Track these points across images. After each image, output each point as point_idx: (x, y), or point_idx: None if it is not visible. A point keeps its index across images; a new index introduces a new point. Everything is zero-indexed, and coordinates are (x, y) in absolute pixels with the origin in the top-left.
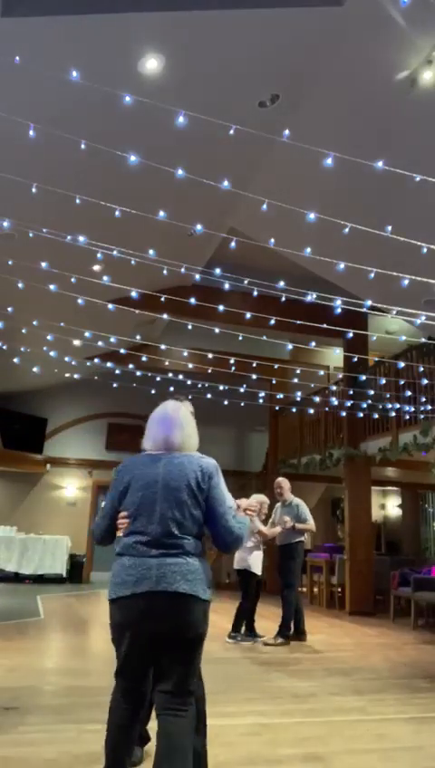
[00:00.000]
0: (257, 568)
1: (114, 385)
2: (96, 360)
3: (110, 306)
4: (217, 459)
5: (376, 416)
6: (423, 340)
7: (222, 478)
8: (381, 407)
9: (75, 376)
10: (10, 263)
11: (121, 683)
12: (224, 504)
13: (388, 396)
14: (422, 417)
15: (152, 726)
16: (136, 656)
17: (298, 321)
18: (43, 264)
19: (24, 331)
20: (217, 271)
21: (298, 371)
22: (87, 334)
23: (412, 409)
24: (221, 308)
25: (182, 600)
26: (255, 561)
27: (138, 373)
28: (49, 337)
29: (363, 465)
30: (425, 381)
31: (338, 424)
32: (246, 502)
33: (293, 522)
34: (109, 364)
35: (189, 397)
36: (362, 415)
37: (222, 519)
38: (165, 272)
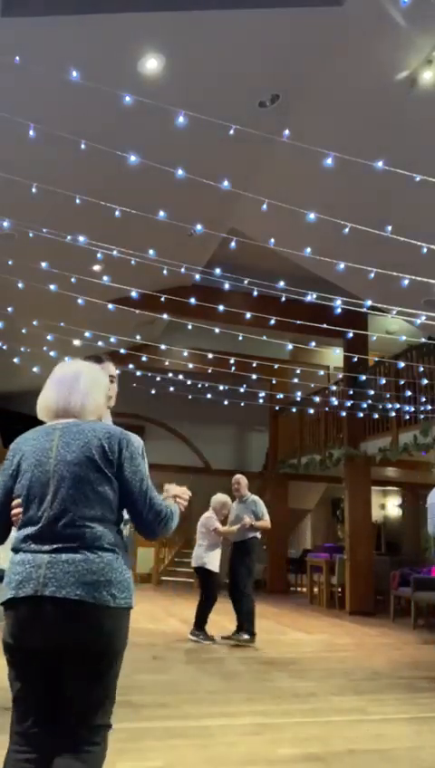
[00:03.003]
0: (214, 565)
1: (114, 385)
2: None
3: (110, 306)
4: (217, 459)
5: (376, 416)
6: (423, 340)
7: (144, 458)
8: (381, 407)
9: None
10: (10, 263)
11: (14, 724)
12: (143, 479)
13: (388, 396)
14: (422, 417)
15: None
16: (27, 684)
17: (298, 321)
18: (43, 264)
19: (24, 331)
20: (217, 271)
21: (298, 371)
22: (87, 334)
23: (412, 409)
24: (221, 308)
25: (77, 609)
26: (211, 559)
27: (138, 373)
28: (49, 337)
29: (363, 465)
30: (425, 381)
31: (338, 424)
32: (176, 488)
33: (251, 519)
34: None
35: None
36: (362, 415)
37: (143, 495)
38: (165, 272)
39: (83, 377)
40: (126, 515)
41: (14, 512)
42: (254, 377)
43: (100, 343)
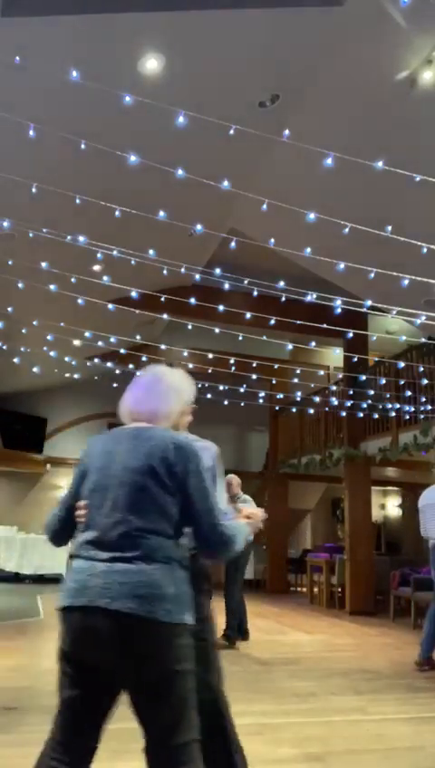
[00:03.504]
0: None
1: (114, 385)
2: (96, 360)
3: (110, 306)
4: None
5: (376, 416)
6: (423, 340)
7: (216, 469)
8: (381, 407)
9: (75, 376)
10: (10, 263)
11: (56, 730)
12: (208, 496)
13: (388, 396)
14: (422, 417)
15: None
16: (75, 694)
17: (298, 321)
18: (43, 264)
19: (24, 331)
20: (217, 271)
21: (298, 371)
22: (87, 334)
23: (412, 409)
24: (221, 308)
25: (129, 623)
26: None
27: (138, 373)
28: (49, 337)
29: (363, 465)
30: (425, 381)
31: (338, 424)
32: (249, 509)
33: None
34: (109, 364)
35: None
36: (361, 415)
37: (206, 515)
38: (165, 272)
39: (163, 381)
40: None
41: (77, 513)
42: (254, 377)
43: (100, 343)
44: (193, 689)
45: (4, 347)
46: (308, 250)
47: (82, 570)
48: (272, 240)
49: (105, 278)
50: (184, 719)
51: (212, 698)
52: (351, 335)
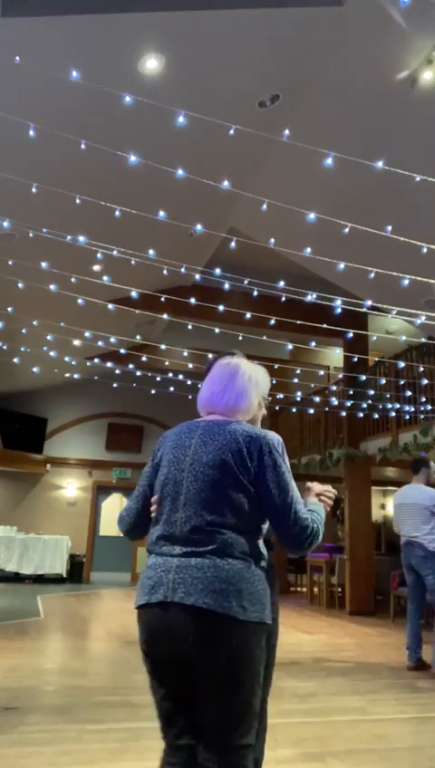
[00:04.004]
0: None
1: (114, 385)
2: (96, 360)
3: (110, 306)
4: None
5: (376, 416)
6: (423, 340)
7: (286, 460)
8: (381, 407)
9: (75, 376)
10: (10, 263)
11: (162, 733)
12: (288, 489)
13: (388, 396)
14: (422, 417)
15: None
16: (163, 692)
17: (298, 321)
18: (43, 264)
19: (24, 331)
20: (217, 271)
21: (298, 371)
22: (87, 334)
23: (412, 409)
24: (221, 308)
25: (205, 618)
26: None
27: (138, 373)
28: (49, 337)
29: (363, 465)
30: (425, 381)
31: (338, 424)
32: (318, 486)
33: None
34: (109, 364)
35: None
36: (362, 415)
37: (287, 508)
38: (165, 272)
39: (240, 374)
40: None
41: (151, 507)
42: None
43: (100, 343)
44: (258, 693)
45: (5, 347)
46: (308, 250)
47: (157, 566)
48: (272, 240)
49: (105, 278)
50: (245, 722)
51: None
52: (351, 335)
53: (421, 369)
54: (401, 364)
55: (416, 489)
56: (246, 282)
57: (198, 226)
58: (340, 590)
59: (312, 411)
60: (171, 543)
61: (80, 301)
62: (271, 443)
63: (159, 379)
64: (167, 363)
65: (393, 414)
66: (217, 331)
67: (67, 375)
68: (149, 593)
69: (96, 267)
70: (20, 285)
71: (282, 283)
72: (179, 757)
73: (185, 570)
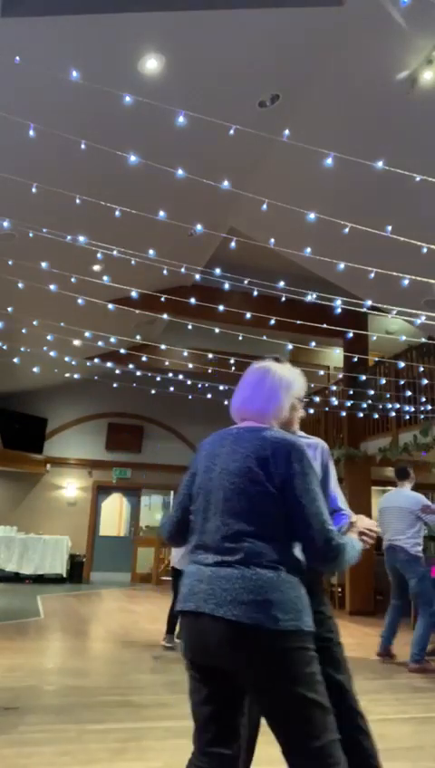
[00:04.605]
0: (179, 564)
1: (114, 385)
2: (96, 360)
3: (110, 306)
4: None
5: (376, 416)
6: (423, 340)
7: (328, 467)
8: (381, 407)
9: (75, 376)
10: (10, 263)
11: (194, 737)
12: (314, 500)
13: (388, 396)
14: (422, 417)
15: None
16: (200, 697)
17: (298, 321)
18: (43, 264)
19: (24, 331)
20: (217, 271)
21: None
22: (87, 334)
23: (412, 409)
24: (221, 308)
25: (235, 631)
26: (177, 558)
27: (138, 373)
28: (49, 337)
29: (363, 465)
30: (425, 381)
31: (338, 424)
32: (365, 520)
33: None
34: (109, 364)
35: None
36: (362, 415)
37: (311, 518)
38: (165, 272)
39: (269, 377)
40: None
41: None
42: None
43: (100, 343)
44: (319, 692)
45: (5, 347)
46: (308, 250)
47: (192, 574)
48: (272, 240)
49: (105, 278)
50: (311, 723)
51: (346, 699)
52: (351, 335)
53: (421, 369)
54: (401, 364)
55: (401, 493)
56: (246, 282)
57: (198, 226)
58: (340, 590)
59: (312, 411)
60: (205, 552)
61: (80, 301)
62: (299, 449)
63: (159, 379)
64: (167, 363)
65: (393, 414)
66: (217, 331)
67: (67, 375)
68: (184, 600)
69: (96, 267)
70: (20, 285)
71: (282, 283)
72: (208, 764)
73: (215, 581)
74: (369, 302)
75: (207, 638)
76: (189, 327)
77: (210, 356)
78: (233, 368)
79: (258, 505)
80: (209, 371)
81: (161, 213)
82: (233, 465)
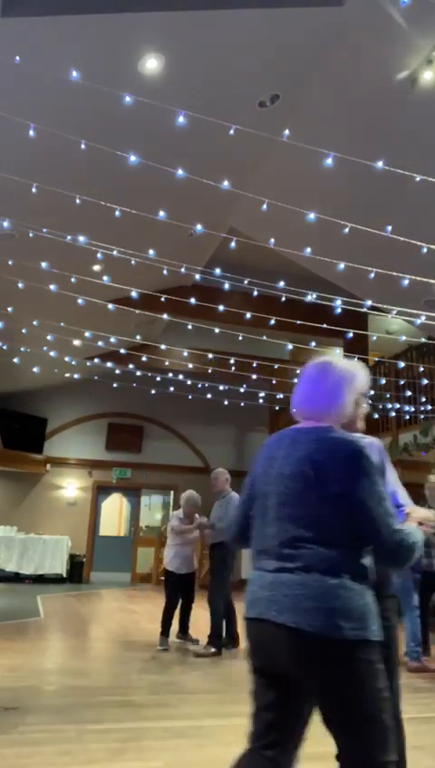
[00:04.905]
0: (169, 565)
1: (114, 385)
2: (96, 360)
3: (110, 306)
4: (217, 459)
5: (376, 416)
6: (423, 340)
7: (387, 468)
8: (381, 407)
9: (75, 376)
10: (10, 263)
11: (250, 738)
12: (380, 502)
13: (388, 396)
14: (422, 417)
15: None
16: (262, 702)
17: (298, 321)
18: (43, 264)
19: (24, 331)
20: (217, 271)
21: (298, 371)
22: (87, 334)
23: (412, 409)
24: (221, 308)
25: (297, 638)
26: (168, 560)
27: (138, 373)
28: (49, 337)
29: None
30: (425, 381)
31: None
32: (421, 511)
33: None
34: (109, 364)
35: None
36: None
37: (380, 521)
38: (165, 272)
39: (330, 373)
40: None
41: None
42: (254, 377)
43: (100, 343)
44: (381, 709)
45: (5, 347)
46: (308, 250)
47: (254, 581)
48: (272, 240)
49: (105, 278)
50: (369, 741)
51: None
52: (351, 335)
53: (421, 369)
54: (401, 364)
55: None
56: (246, 282)
57: (198, 226)
58: None
59: None
60: (267, 558)
61: (80, 301)
62: (359, 450)
63: (159, 379)
64: (167, 363)
65: (393, 414)
66: (217, 331)
67: (67, 375)
68: (248, 608)
69: (96, 267)
70: (20, 285)
71: (282, 283)
72: (260, 765)
73: (277, 587)
74: (369, 302)
75: (270, 644)
76: (189, 327)
77: (210, 356)
78: (233, 368)
79: (316, 510)
80: (209, 371)
81: (161, 213)
82: (288, 469)
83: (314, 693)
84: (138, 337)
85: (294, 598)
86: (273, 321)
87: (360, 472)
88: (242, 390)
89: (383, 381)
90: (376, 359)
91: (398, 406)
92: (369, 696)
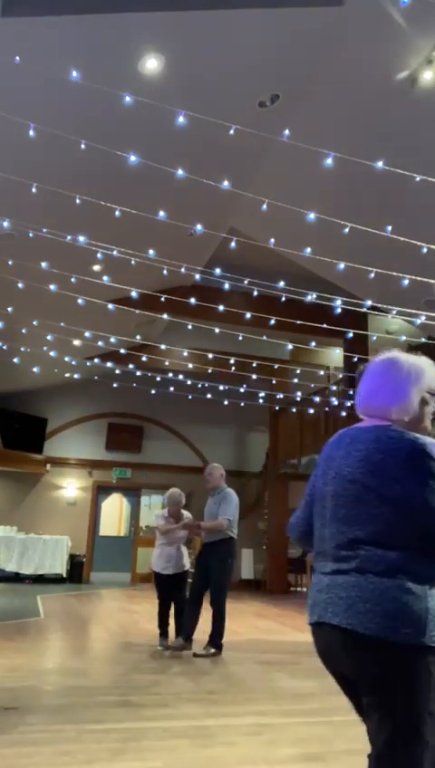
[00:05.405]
0: (155, 565)
1: (114, 385)
2: (96, 360)
3: (110, 306)
4: (217, 459)
5: None
6: (423, 340)
7: None
8: None
9: (75, 376)
10: (10, 263)
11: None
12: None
13: None
14: None
15: None
16: (349, 699)
17: (298, 321)
18: (43, 264)
19: (24, 331)
20: (217, 271)
21: (298, 371)
22: (87, 334)
23: None
24: (221, 308)
25: (351, 639)
26: (154, 560)
27: (138, 373)
28: (49, 337)
29: None
30: None
31: (338, 424)
32: None
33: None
34: (109, 364)
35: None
36: None
37: (428, 527)
38: (165, 272)
39: (395, 369)
40: None
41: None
42: (254, 377)
43: (100, 343)
44: (426, 723)
45: (5, 347)
46: (308, 250)
47: (314, 584)
48: (272, 240)
49: (105, 278)
50: (404, 754)
51: None
52: (351, 335)
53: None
54: None
55: None
56: (246, 282)
57: (198, 226)
58: None
59: (312, 411)
60: (325, 561)
61: (80, 301)
62: (421, 449)
63: (159, 379)
64: (167, 363)
65: None
66: (217, 331)
67: (67, 375)
68: (309, 613)
69: (96, 267)
70: (20, 285)
71: (282, 283)
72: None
73: (333, 589)
74: (369, 302)
75: (329, 646)
76: (189, 327)
77: (210, 356)
78: (233, 368)
79: (374, 510)
80: (209, 371)
81: (161, 213)
82: (346, 470)
83: (366, 693)
84: (138, 337)
85: (349, 600)
86: (273, 321)
87: (421, 471)
88: (242, 390)
89: None
90: None
91: None
92: (417, 705)
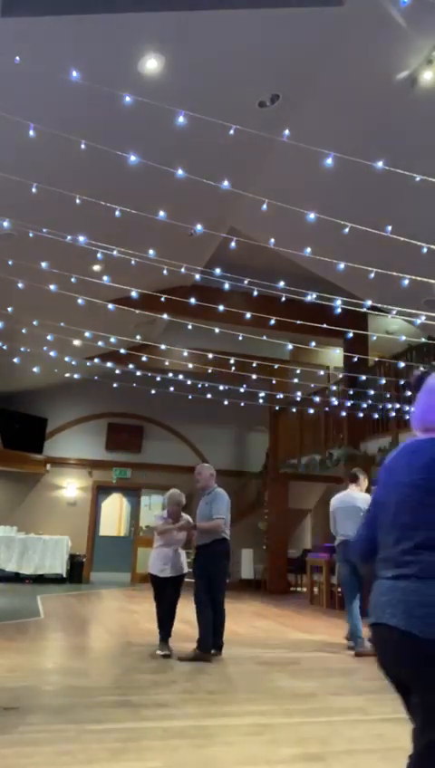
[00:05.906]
0: (152, 568)
1: (114, 385)
2: (96, 360)
3: (110, 306)
4: (217, 459)
5: (376, 416)
6: (423, 340)
7: None
8: (381, 407)
9: (75, 376)
10: (10, 263)
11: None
12: None
13: (388, 396)
14: None
15: None
16: (403, 699)
17: (298, 321)
18: (43, 264)
19: (24, 331)
20: (217, 271)
21: (298, 371)
22: (87, 334)
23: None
24: (221, 308)
25: (408, 641)
26: (151, 562)
27: (138, 373)
28: (49, 337)
29: (363, 465)
30: None
31: (338, 424)
32: None
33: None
34: (109, 364)
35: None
36: (362, 415)
37: None
38: (165, 272)
39: None
40: None
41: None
42: (254, 377)
43: (100, 343)
44: None
45: (5, 347)
46: (308, 250)
47: (376, 589)
48: (272, 240)
49: (105, 278)
50: None
51: None
52: (351, 335)
53: (422, 368)
54: (401, 364)
55: (351, 495)
56: (246, 282)
57: (198, 226)
58: (340, 590)
59: (312, 411)
60: (386, 566)
61: (80, 301)
62: None
63: (159, 379)
64: (167, 363)
65: (393, 414)
66: (217, 331)
67: (67, 375)
68: (370, 615)
69: (96, 267)
70: (20, 285)
71: (282, 283)
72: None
73: (392, 592)
74: (369, 302)
75: (386, 648)
76: (189, 327)
77: (210, 356)
78: (233, 368)
79: (432, 519)
80: (209, 371)
81: (161, 213)
82: (408, 479)
83: (416, 692)
84: (138, 337)
85: (407, 603)
86: (273, 321)
87: None
88: (242, 390)
89: (383, 381)
90: (376, 359)
91: (398, 406)
92: None
